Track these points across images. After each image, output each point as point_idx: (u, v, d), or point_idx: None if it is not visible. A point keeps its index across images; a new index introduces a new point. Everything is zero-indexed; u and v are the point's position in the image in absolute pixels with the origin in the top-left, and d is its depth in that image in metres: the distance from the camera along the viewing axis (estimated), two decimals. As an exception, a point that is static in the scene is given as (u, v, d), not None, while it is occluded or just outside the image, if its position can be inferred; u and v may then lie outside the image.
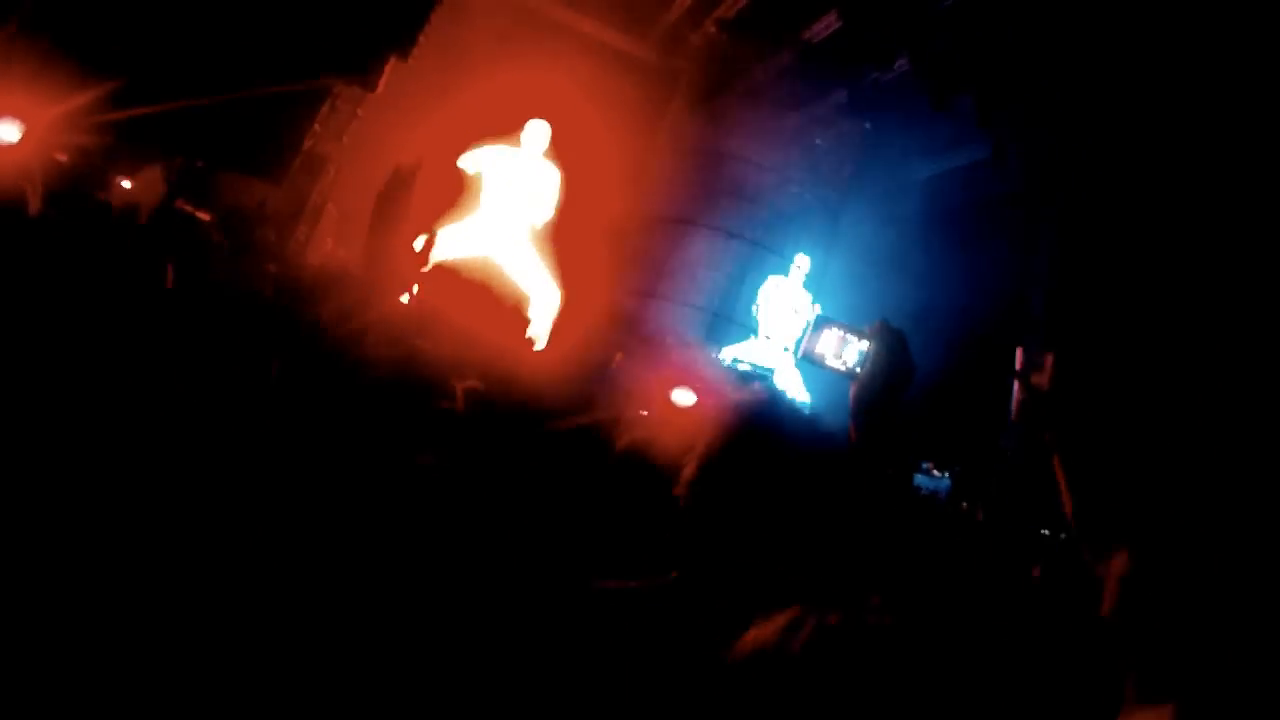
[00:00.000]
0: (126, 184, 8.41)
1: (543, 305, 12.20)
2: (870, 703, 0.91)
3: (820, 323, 1.56)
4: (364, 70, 11.60)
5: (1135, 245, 11.22)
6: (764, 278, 14.64)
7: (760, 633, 0.99)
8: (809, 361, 1.54)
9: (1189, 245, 10.34)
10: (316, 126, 11.92)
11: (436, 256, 12.19)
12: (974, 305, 12.19)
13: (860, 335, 1.51)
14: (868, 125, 14.29)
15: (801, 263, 14.82)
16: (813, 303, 14.69)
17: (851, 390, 1.49)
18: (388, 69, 12.00)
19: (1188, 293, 10.24)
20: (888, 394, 1.47)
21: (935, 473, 11.36)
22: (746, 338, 14.25)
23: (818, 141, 14.72)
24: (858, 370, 1.48)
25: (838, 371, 1.51)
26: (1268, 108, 8.94)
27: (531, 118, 13.07)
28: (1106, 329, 11.65)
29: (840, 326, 1.54)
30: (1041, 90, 11.59)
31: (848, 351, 1.51)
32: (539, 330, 11.14)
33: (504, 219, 12.69)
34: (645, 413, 5.31)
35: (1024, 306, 14.45)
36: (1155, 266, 10.81)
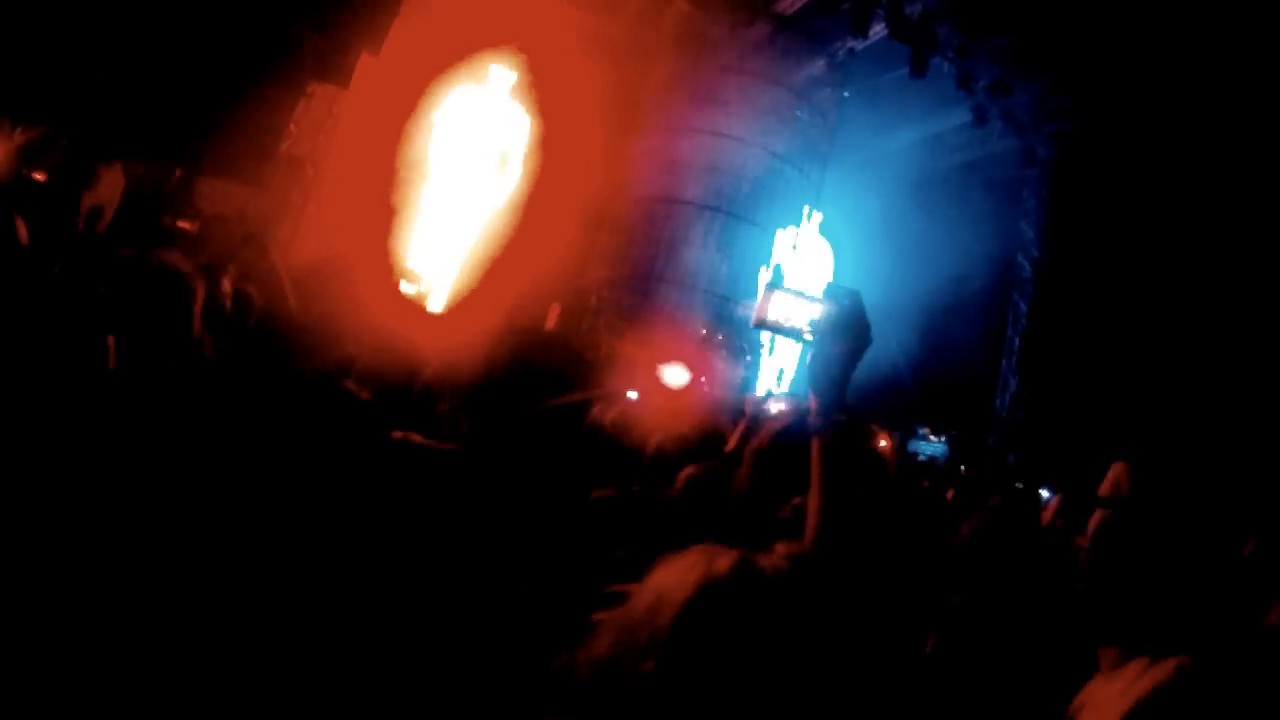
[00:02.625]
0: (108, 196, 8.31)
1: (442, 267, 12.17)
2: (750, 646, 0.92)
3: (771, 288, 1.55)
4: (336, 67, 11.51)
5: (1120, 202, 11.24)
6: (749, 252, 14.63)
7: (662, 576, 1.00)
8: (763, 327, 1.55)
9: (1174, 200, 10.37)
10: (293, 127, 11.82)
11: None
12: (963, 268, 12.23)
13: (812, 299, 1.53)
14: (846, 94, 14.25)
15: (787, 236, 14.82)
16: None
17: (808, 356, 1.50)
18: (360, 64, 11.90)
19: (1174, 250, 10.28)
20: (843, 355, 1.47)
21: (932, 437, 11.42)
22: (731, 312, 14.25)
23: (797, 113, 14.67)
24: (810, 332, 1.49)
25: (791, 336, 1.52)
26: (1246, 70, 8.95)
27: (508, 101, 12.98)
28: (1093, 287, 11.70)
29: (791, 291, 1.55)
30: (1019, 49, 11.56)
31: (800, 315, 1.52)
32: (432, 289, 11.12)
33: (484, 211, 12.67)
34: (634, 394, 5.29)
35: (1013, 267, 14.50)
36: (1141, 224, 10.84)
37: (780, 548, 1.00)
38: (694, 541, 1.04)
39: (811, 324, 1.51)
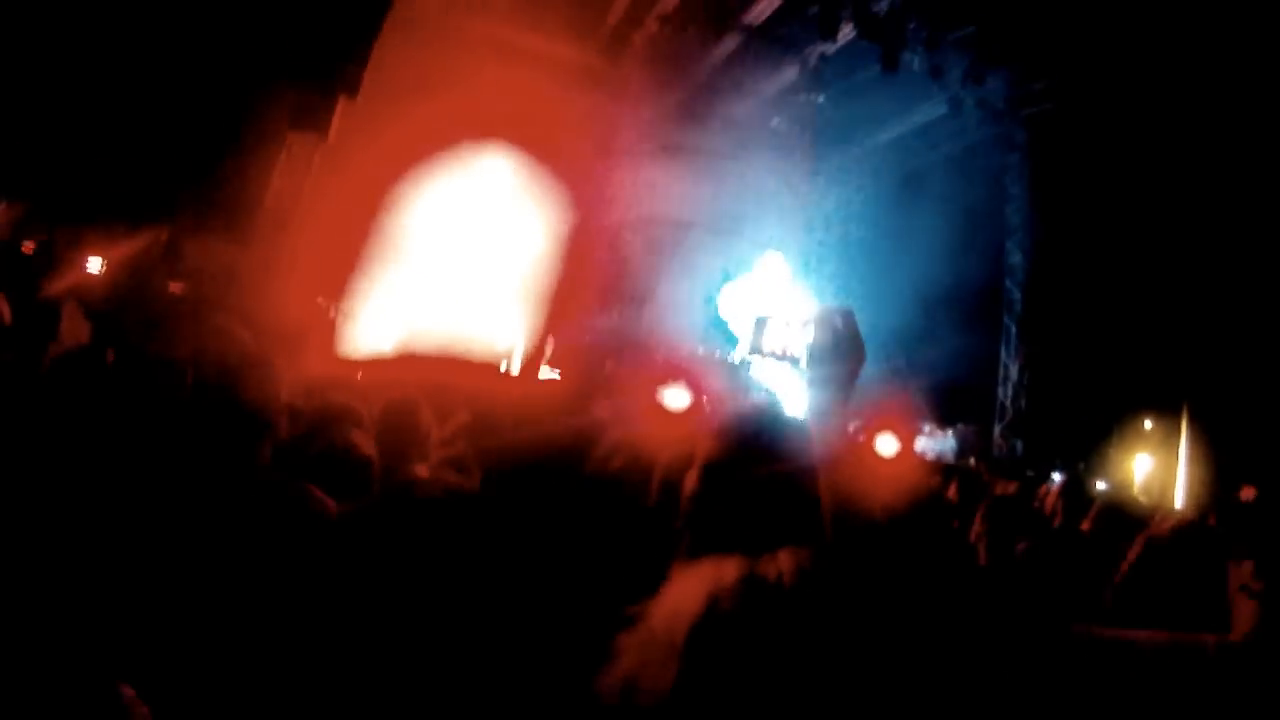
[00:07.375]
0: (97, 264, 8.33)
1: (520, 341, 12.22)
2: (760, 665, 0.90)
3: (762, 322, 1.55)
4: (314, 116, 11.54)
5: (1103, 179, 11.27)
6: (738, 267, 14.59)
7: (674, 591, 0.98)
8: (758, 356, 1.54)
9: (1157, 174, 10.40)
10: (275, 180, 11.85)
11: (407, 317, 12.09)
12: (954, 261, 12.19)
13: (805, 324, 1.51)
14: (821, 99, 14.31)
15: (769, 261, 14.72)
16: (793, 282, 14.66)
17: (806, 381, 1.49)
18: (338, 111, 11.94)
19: (1162, 220, 10.30)
20: (841, 375, 1.48)
21: (938, 434, 11.35)
22: (723, 333, 14.15)
23: (774, 123, 14.73)
24: (804, 358, 1.48)
25: (788, 364, 1.51)
26: (1217, 38, 9.01)
27: (487, 139, 13.03)
28: (1085, 266, 11.71)
29: (782, 319, 1.54)
30: (987, 36, 11.63)
31: (793, 341, 1.51)
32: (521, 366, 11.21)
33: (473, 252, 12.75)
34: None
35: (1003, 255, 14.53)
36: (1126, 199, 10.87)
37: (785, 555, 1.00)
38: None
39: (808, 349, 1.50)
